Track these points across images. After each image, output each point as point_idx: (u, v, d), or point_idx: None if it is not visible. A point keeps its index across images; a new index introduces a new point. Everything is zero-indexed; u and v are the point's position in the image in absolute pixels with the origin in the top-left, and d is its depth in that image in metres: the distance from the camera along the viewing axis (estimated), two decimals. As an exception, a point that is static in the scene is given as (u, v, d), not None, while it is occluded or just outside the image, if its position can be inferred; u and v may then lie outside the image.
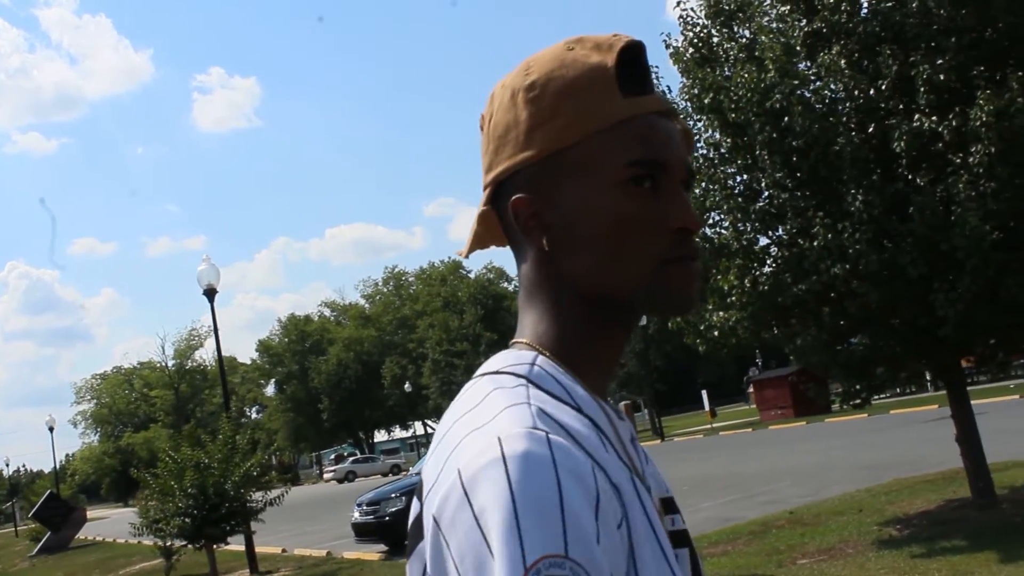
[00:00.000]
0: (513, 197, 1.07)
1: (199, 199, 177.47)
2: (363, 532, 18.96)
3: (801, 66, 10.15)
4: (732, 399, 75.49)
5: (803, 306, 9.83)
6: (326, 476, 65.35)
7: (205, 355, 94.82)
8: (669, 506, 1.12)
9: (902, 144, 8.96)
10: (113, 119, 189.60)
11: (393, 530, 18.55)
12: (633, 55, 1.08)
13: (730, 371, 74.48)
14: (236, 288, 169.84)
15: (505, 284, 72.82)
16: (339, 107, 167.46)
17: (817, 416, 36.85)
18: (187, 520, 17.06)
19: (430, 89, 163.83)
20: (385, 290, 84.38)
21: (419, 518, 0.99)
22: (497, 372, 1.03)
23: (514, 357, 1.05)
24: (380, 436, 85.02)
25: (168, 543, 18.53)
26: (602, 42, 1.07)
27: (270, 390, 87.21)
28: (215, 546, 18.25)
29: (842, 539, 10.81)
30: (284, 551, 22.25)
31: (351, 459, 65.82)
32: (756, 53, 10.02)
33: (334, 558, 19.38)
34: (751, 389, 53.28)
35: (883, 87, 9.29)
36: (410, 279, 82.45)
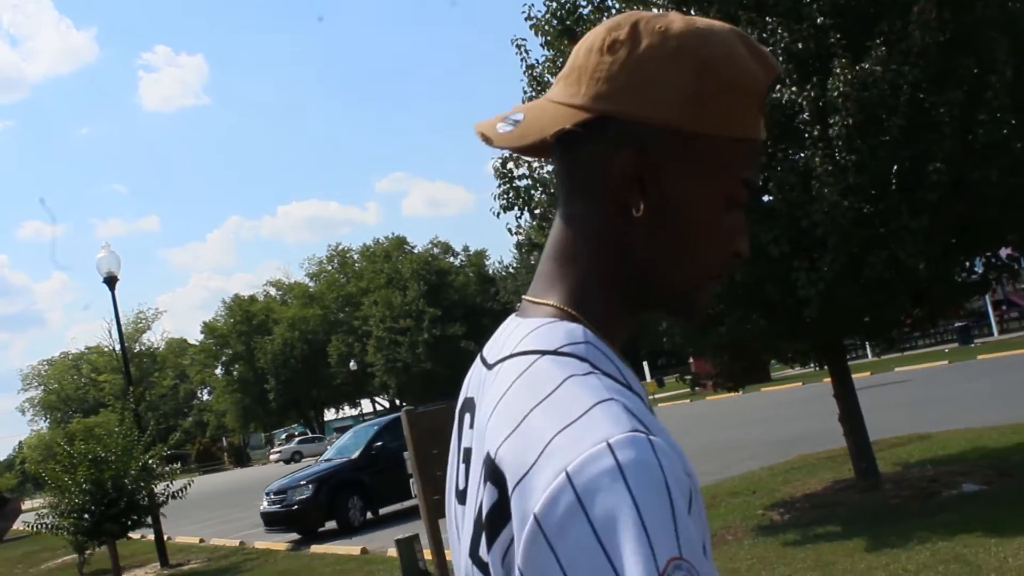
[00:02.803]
0: (625, 149, 1.03)
1: (149, 179, 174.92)
2: (272, 521, 18.58)
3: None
4: (684, 367, 75.46)
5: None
6: (272, 457, 64.63)
7: (153, 338, 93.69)
8: None
9: (761, 117, 8.57)
10: (57, 100, 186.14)
11: (302, 519, 18.18)
12: (774, 84, 1.09)
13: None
14: (190, 268, 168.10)
15: (451, 259, 72.36)
16: (289, 82, 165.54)
17: (754, 385, 36.79)
18: (85, 516, 16.55)
19: (379, 63, 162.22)
20: (330, 268, 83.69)
21: (499, 506, 0.95)
22: (557, 352, 1.00)
23: (565, 333, 1.02)
24: (330, 415, 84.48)
25: (78, 538, 17.96)
26: (764, 56, 1.07)
27: (220, 371, 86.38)
28: (124, 539, 17.78)
29: (726, 524, 10.50)
30: (201, 541, 21.80)
31: (297, 439, 65.19)
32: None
33: (245, 548, 18.92)
34: (691, 360, 53.09)
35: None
36: (354, 256, 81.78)
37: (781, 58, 8.64)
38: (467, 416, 1.11)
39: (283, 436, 75.75)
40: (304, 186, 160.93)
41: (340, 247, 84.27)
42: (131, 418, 18.06)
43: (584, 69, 1.06)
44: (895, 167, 8.62)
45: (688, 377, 11.43)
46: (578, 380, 0.95)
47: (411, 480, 9.10)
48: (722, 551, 9.31)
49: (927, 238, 8.44)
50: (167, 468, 18.55)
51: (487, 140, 1.09)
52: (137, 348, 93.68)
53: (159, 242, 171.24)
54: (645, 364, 47.01)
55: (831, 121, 8.34)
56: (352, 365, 68.69)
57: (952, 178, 8.47)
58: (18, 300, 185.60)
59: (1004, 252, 10.27)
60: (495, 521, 0.96)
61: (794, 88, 8.57)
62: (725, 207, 1.05)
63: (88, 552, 18.80)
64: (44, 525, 17.31)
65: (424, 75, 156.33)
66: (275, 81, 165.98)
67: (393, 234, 76.63)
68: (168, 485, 17.77)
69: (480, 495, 0.99)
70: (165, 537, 19.47)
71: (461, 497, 1.09)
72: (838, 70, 8.23)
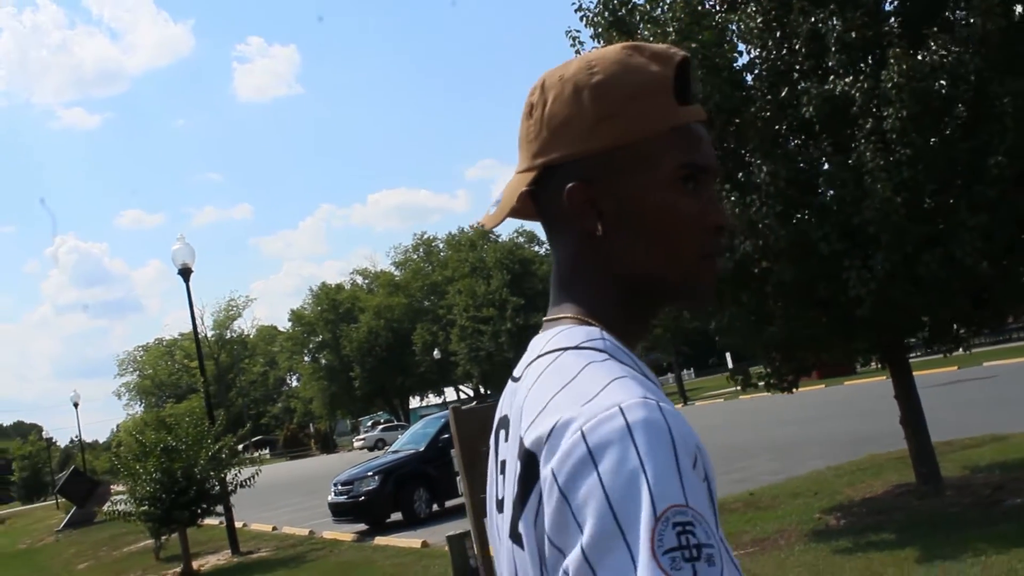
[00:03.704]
0: (569, 184, 1.15)
1: (243, 168, 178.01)
2: (339, 512, 18.66)
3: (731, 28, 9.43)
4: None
5: (721, 285, 9.16)
6: (356, 443, 65.21)
7: (244, 325, 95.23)
8: None
9: (811, 109, 8.24)
10: (155, 92, 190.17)
11: (368, 510, 18.22)
12: (685, 68, 1.18)
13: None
14: (282, 256, 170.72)
15: (536, 248, 72.24)
16: (379, 72, 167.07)
17: (837, 379, 36.13)
18: (157, 504, 16.82)
19: (470, 51, 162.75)
20: (415, 256, 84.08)
21: (528, 468, 1.03)
22: (578, 347, 1.10)
23: (584, 333, 1.12)
24: (415, 402, 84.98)
25: (152, 524, 18.25)
26: (659, 53, 1.17)
27: (308, 358, 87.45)
28: (197, 526, 18.04)
29: (781, 528, 10.21)
30: (274, 528, 22.01)
31: (380, 427, 65.72)
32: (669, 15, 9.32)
33: (313, 537, 19.06)
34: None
35: (796, 47, 8.56)
36: (440, 245, 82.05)
37: (833, 48, 8.31)
38: (502, 432, 1.19)
39: (369, 423, 76.37)
40: (394, 174, 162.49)
41: (425, 236, 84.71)
42: (203, 408, 18.29)
43: (522, 138, 1.23)
44: (952, 161, 8.23)
45: (739, 377, 11.04)
46: (597, 365, 1.06)
47: (457, 478, 9.02)
48: (771, 556, 9.04)
49: (987, 236, 8.05)
50: (255, 454, 18.74)
51: (481, 225, 1.32)
52: (228, 335, 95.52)
53: (252, 230, 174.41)
54: (728, 355, 46.40)
55: (885, 113, 7.99)
56: (436, 354, 68.91)
57: (1016, 172, 8.07)
58: (117, 287, 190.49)
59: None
60: (526, 483, 1.04)
61: (847, 79, 8.23)
62: (679, 193, 1.13)
63: (164, 538, 19.08)
64: (117, 512, 17.65)
65: (513, 61, 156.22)
66: (366, 71, 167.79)
67: (478, 223, 76.72)
68: (237, 474, 17.96)
69: (515, 473, 1.07)
70: (240, 524, 19.70)
71: (500, 506, 1.16)
72: (892, 60, 7.87)
